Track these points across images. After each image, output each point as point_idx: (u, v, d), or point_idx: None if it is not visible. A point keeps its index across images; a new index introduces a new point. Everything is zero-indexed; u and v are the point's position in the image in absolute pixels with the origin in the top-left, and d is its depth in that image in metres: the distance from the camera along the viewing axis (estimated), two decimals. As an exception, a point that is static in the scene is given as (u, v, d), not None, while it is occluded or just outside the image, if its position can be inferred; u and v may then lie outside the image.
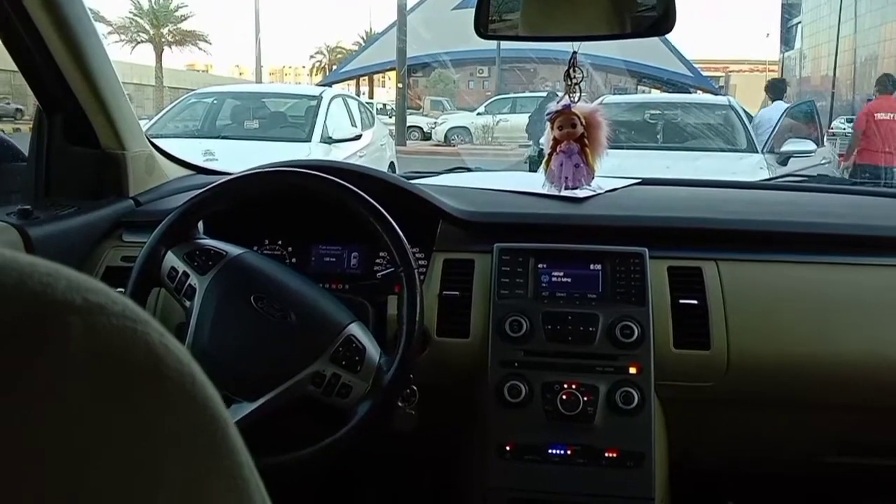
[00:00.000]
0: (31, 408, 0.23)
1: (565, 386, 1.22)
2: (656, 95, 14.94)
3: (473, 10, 1.32)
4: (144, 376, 0.25)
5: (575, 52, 1.43)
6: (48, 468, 0.23)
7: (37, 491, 0.23)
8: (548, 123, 1.47)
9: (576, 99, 1.44)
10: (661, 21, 1.24)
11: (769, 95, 6.81)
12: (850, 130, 8.01)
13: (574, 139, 1.44)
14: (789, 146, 5.31)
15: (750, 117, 6.68)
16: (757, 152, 5.43)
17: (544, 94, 14.95)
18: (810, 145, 5.27)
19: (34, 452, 0.23)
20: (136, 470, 0.25)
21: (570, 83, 1.43)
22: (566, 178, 1.45)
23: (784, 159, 5.20)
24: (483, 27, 1.34)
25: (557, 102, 1.45)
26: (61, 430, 0.23)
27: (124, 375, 0.25)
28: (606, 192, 1.53)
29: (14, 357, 0.23)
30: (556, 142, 1.45)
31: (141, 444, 0.25)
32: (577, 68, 1.42)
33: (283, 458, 1.09)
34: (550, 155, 1.47)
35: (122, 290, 1.19)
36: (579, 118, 1.43)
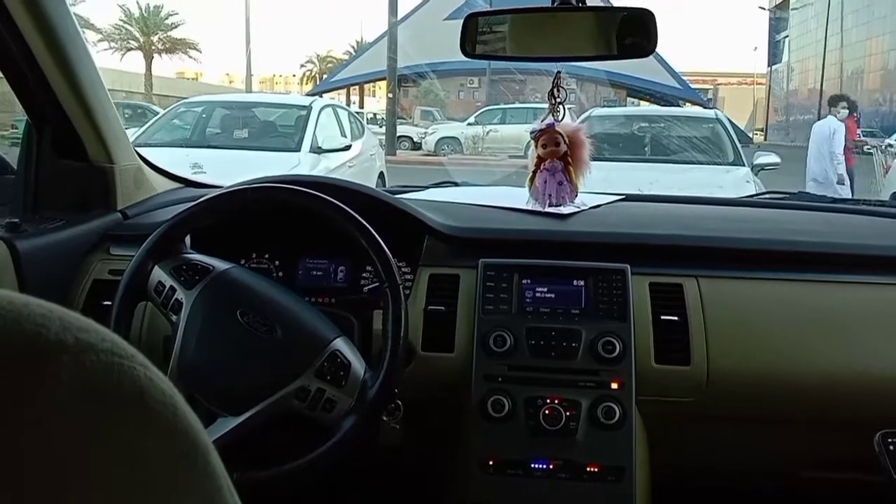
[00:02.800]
0: (28, 439, 0.25)
1: (548, 401, 1.23)
2: (644, 108, 15.04)
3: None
4: (130, 408, 0.27)
5: (559, 72, 1.45)
6: (38, 494, 0.25)
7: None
8: (532, 142, 1.49)
9: (559, 118, 1.46)
10: (643, 43, 1.27)
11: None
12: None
13: (557, 157, 1.46)
14: (758, 159, 5.46)
15: (738, 130, 6.80)
16: (744, 165, 5.51)
17: (535, 105, 15.03)
18: (776, 158, 5.44)
19: (28, 478, 0.25)
20: (119, 495, 0.26)
21: (553, 102, 1.45)
22: (550, 195, 1.47)
23: (759, 171, 5.34)
24: (470, 46, 1.37)
25: (542, 121, 1.48)
26: (52, 458, 0.25)
27: (111, 408, 0.27)
28: (590, 208, 1.54)
29: (12, 393, 0.25)
30: (540, 159, 1.48)
31: (125, 470, 0.27)
32: (560, 87, 1.45)
33: (268, 472, 1.10)
34: (534, 172, 1.49)
35: (109, 303, 1.20)
36: (563, 136, 1.46)
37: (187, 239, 1.26)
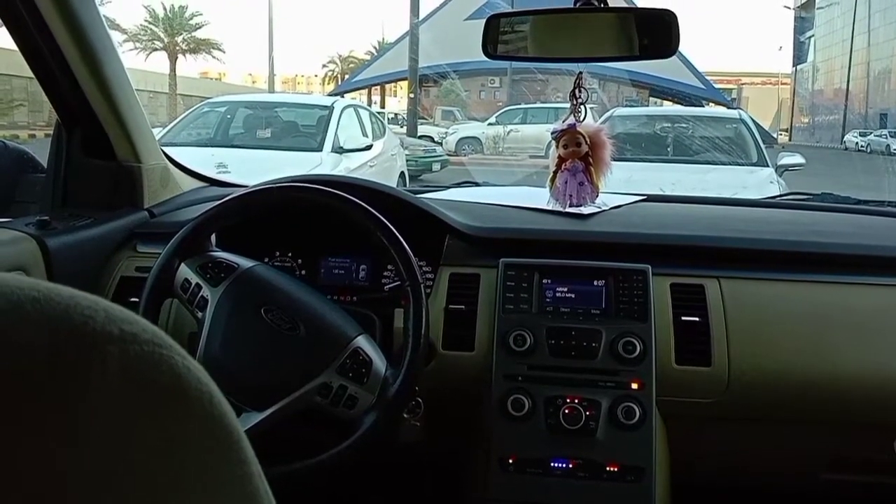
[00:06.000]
0: (80, 427, 0.26)
1: (568, 400, 1.24)
2: (667, 108, 14.90)
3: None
4: (169, 395, 0.29)
5: (580, 73, 1.46)
6: (88, 472, 0.26)
7: (79, 486, 0.26)
8: (553, 142, 1.49)
9: (581, 118, 1.46)
10: (664, 44, 1.27)
11: None
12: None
13: (579, 157, 1.47)
14: (782, 160, 5.37)
15: (762, 130, 6.69)
16: (768, 166, 5.44)
17: (556, 105, 14.96)
18: (800, 159, 5.35)
19: (77, 458, 0.26)
20: (159, 476, 0.28)
21: (575, 102, 1.45)
22: (570, 195, 1.48)
23: (783, 172, 5.26)
24: (491, 46, 1.37)
25: (563, 121, 1.48)
26: (101, 445, 0.27)
27: (153, 395, 0.29)
28: (611, 208, 1.55)
29: (64, 381, 0.26)
30: (561, 160, 1.48)
31: (164, 454, 0.28)
32: (582, 88, 1.45)
33: (290, 467, 1.12)
34: (555, 173, 1.50)
35: (136, 300, 1.22)
36: (584, 137, 1.46)
37: (213, 237, 1.28)
